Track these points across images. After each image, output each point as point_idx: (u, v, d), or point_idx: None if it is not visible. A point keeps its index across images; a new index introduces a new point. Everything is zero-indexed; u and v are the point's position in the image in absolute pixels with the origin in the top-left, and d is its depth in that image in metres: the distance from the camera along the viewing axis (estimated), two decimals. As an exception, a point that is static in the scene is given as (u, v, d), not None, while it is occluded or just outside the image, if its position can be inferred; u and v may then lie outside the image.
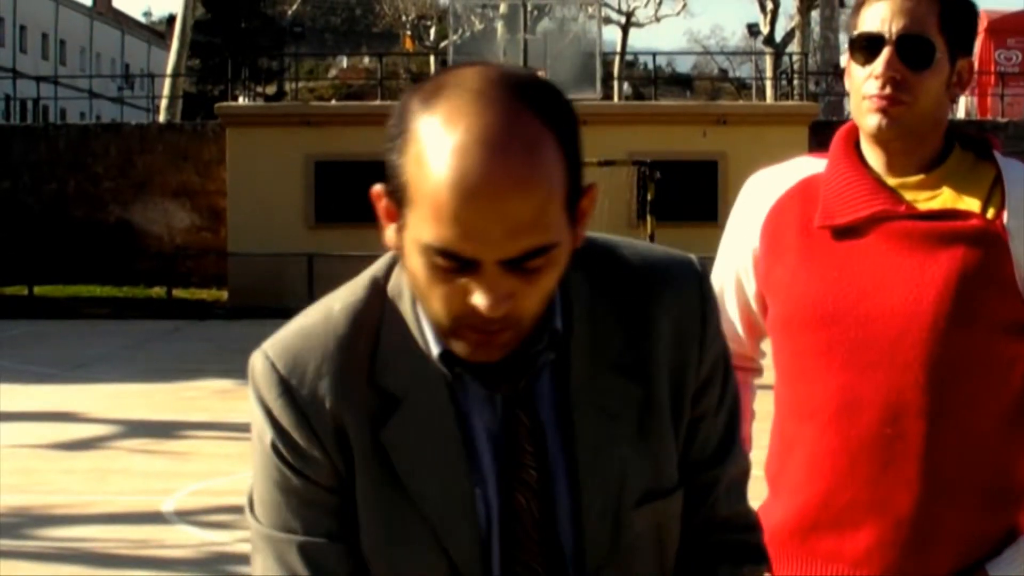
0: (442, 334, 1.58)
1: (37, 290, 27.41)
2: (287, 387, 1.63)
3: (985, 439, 2.36)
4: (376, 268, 1.68)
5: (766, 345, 2.62)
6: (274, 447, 1.64)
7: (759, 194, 2.51)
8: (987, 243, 2.34)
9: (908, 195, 2.40)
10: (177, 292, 27.88)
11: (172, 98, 35.26)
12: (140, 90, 59.54)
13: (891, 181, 2.41)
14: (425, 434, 1.62)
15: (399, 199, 1.53)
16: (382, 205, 1.57)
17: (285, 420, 1.63)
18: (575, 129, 1.55)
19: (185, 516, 8.97)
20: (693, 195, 26.21)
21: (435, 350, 1.61)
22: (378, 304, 1.65)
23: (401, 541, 1.63)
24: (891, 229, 2.37)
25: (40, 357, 18.49)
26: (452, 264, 1.49)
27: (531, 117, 1.49)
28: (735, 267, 2.53)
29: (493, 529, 1.64)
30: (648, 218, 19.13)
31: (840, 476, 2.37)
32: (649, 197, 19.64)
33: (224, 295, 27.66)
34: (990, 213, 2.37)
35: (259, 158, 27.35)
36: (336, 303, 1.67)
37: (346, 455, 1.63)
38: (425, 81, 1.56)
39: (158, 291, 28.26)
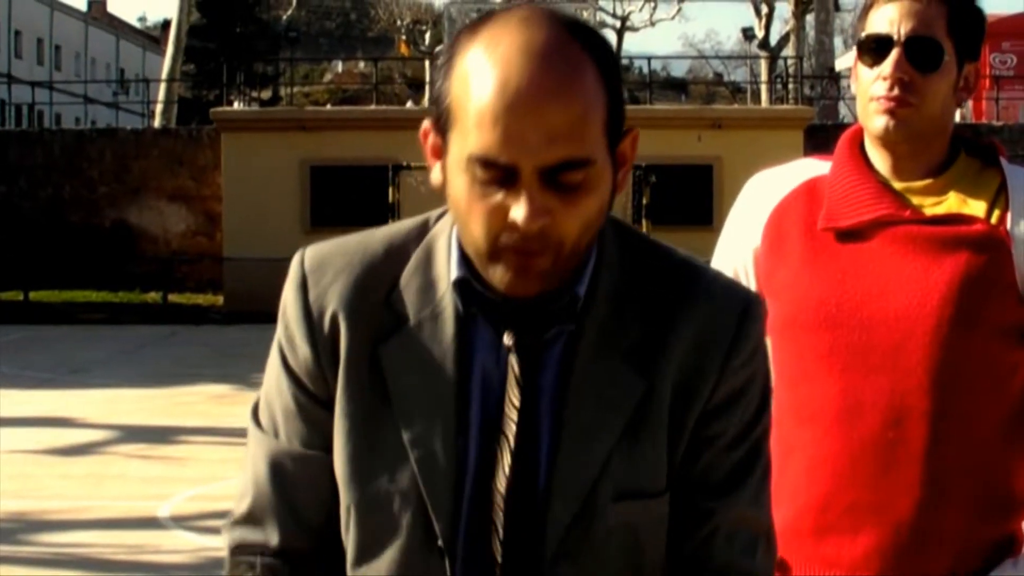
0: (481, 262, 1.59)
1: (33, 295, 27.39)
2: (303, 282, 1.70)
3: (985, 444, 2.36)
4: (432, 211, 1.73)
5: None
6: (279, 340, 1.72)
7: (761, 195, 2.51)
8: (991, 248, 2.34)
9: (914, 199, 2.40)
10: (173, 297, 27.87)
11: (167, 103, 35.27)
12: (135, 95, 59.45)
13: (897, 185, 2.41)
14: (422, 360, 1.64)
15: (444, 124, 1.59)
16: (429, 143, 1.63)
17: (291, 313, 1.70)
18: (617, 68, 1.60)
19: (181, 521, 8.96)
20: (688, 199, 26.23)
21: (455, 274, 1.64)
22: (418, 236, 1.70)
23: (377, 464, 1.65)
24: (896, 233, 2.37)
25: (36, 362, 18.48)
26: (492, 174, 1.53)
27: (575, 43, 1.55)
28: (733, 268, 2.53)
29: (467, 478, 1.63)
30: (643, 222, 19.14)
31: (841, 479, 2.37)
32: (644, 201, 19.66)
33: (220, 300, 27.66)
34: (994, 219, 2.37)
35: (254, 163, 27.35)
36: (383, 228, 1.74)
37: (334, 367, 1.67)
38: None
39: (154, 296, 28.25)
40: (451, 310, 1.65)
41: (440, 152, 1.61)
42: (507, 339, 1.63)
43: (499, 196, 1.54)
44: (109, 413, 13.86)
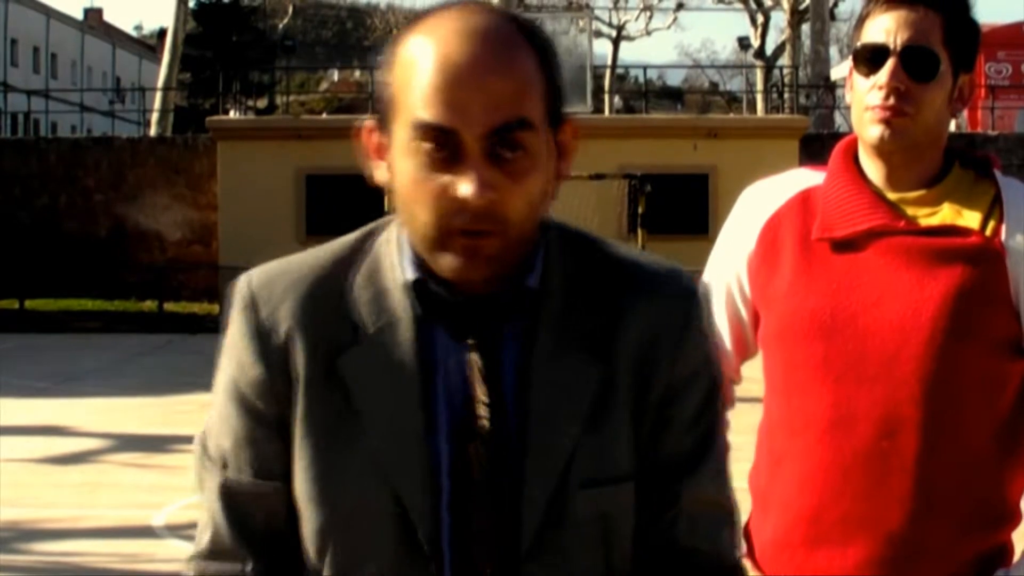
0: (430, 250, 1.61)
1: (28, 304, 27.37)
2: (252, 303, 1.69)
3: (977, 456, 2.36)
4: (376, 221, 1.74)
5: (747, 369, 2.62)
6: (227, 364, 1.70)
7: (756, 205, 2.51)
8: (985, 260, 2.35)
9: (908, 210, 2.40)
10: (168, 306, 27.85)
11: (163, 112, 35.26)
12: (131, 104, 59.47)
13: (891, 195, 2.42)
14: (384, 369, 1.65)
15: (387, 116, 1.63)
16: (372, 141, 1.67)
17: (240, 334, 1.69)
18: (554, 59, 1.66)
19: (176, 530, 8.94)
20: (684, 208, 26.24)
21: (409, 275, 1.65)
22: (363, 246, 1.71)
23: (347, 480, 1.64)
24: (890, 244, 2.37)
25: (31, 371, 18.46)
26: (437, 149, 1.57)
27: (512, 27, 1.63)
28: (726, 279, 2.53)
29: (443, 479, 1.64)
30: (639, 231, 19.12)
31: (833, 490, 2.36)
32: (640, 210, 19.64)
33: (215, 308, 27.62)
34: (989, 231, 2.37)
35: (250, 171, 27.36)
36: (327, 244, 1.75)
37: (290, 385, 1.66)
38: None
39: (149, 305, 28.23)
40: (407, 315, 1.66)
41: (383, 150, 1.65)
42: (467, 338, 1.64)
43: (445, 176, 1.58)
44: (104, 422, 13.84)
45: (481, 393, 1.64)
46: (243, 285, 1.71)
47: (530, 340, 1.66)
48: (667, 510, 1.69)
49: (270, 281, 1.70)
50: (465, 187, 1.56)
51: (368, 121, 1.67)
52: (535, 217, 1.63)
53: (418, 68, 1.59)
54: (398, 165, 1.62)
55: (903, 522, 2.33)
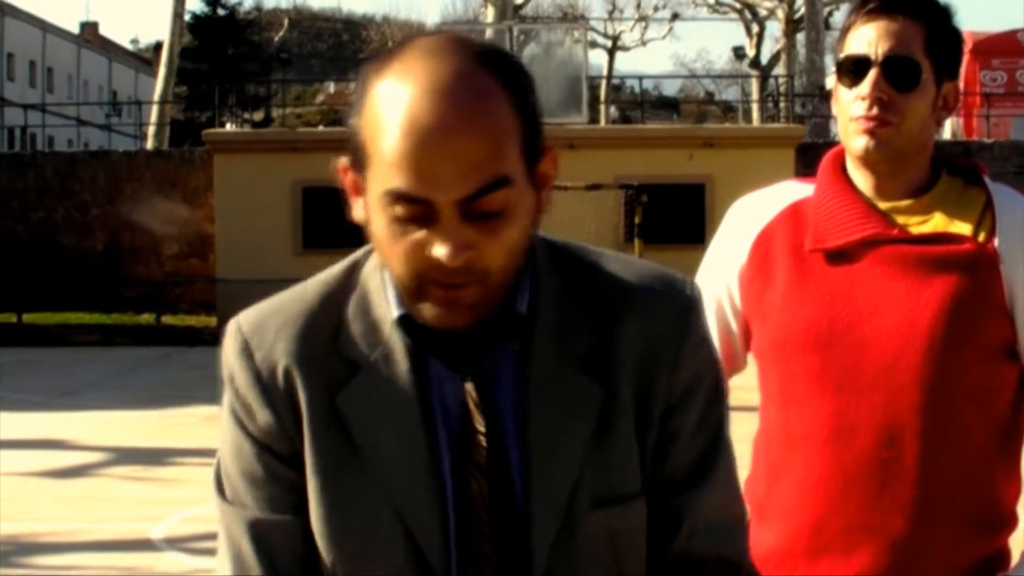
0: (409, 298, 1.59)
1: (26, 317, 27.36)
2: (246, 347, 1.67)
3: (976, 461, 2.37)
4: (358, 252, 1.72)
5: (742, 378, 2.63)
6: (232, 410, 1.68)
7: (746, 219, 2.52)
8: (979, 267, 2.35)
9: (899, 219, 2.41)
10: (166, 319, 27.84)
11: (160, 125, 35.26)
12: (128, 117, 59.50)
13: (881, 205, 2.42)
14: (383, 402, 1.62)
15: (360, 162, 1.58)
16: (348, 179, 1.62)
17: (240, 380, 1.67)
18: (530, 88, 1.59)
19: (175, 543, 8.94)
20: (680, 218, 26.23)
21: (395, 312, 1.63)
22: (350, 280, 1.69)
23: (357, 514, 1.63)
24: (884, 253, 2.38)
25: (29, 384, 18.44)
26: (410, 211, 1.53)
27: (482, 71, 1.54)
28: (717, 293, 2.53)
29: (449, 509, 1.62)
30: (635, 241, 19.12)
31: (834, 500, 2.37)
32: (636, 220, 19.65)
33: (213, 321, 27.61)
34: (981, 237, 2.38)
35: (247, 184, 27.35)
36: (312, 280, 1.71)
37: (298, 423, 1.64)
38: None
39: (147, 318, 28.22)
40: (400, 348, 1.63)
41: (360, 189, 1.60)
42: (460, 367, 1.63)
43: (420, 233, 1.54)
44: (102, 435, 13.83)
45: (479, 423, 1.62)
46: (234, 332, 1.69)
47: (525, 365, 1.63)
48: (682, 521, 1.67)
49: (262, 324, 1.68)
50: (440, 249, 1.53)
51: (342, 160, 1.63)
52: (516, 260, 1.59)
53: (386, 128, 1.53)
54: (373, 215, 1.58)
55: (905, 529, 2.34)
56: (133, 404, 16.37)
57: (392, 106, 1.53)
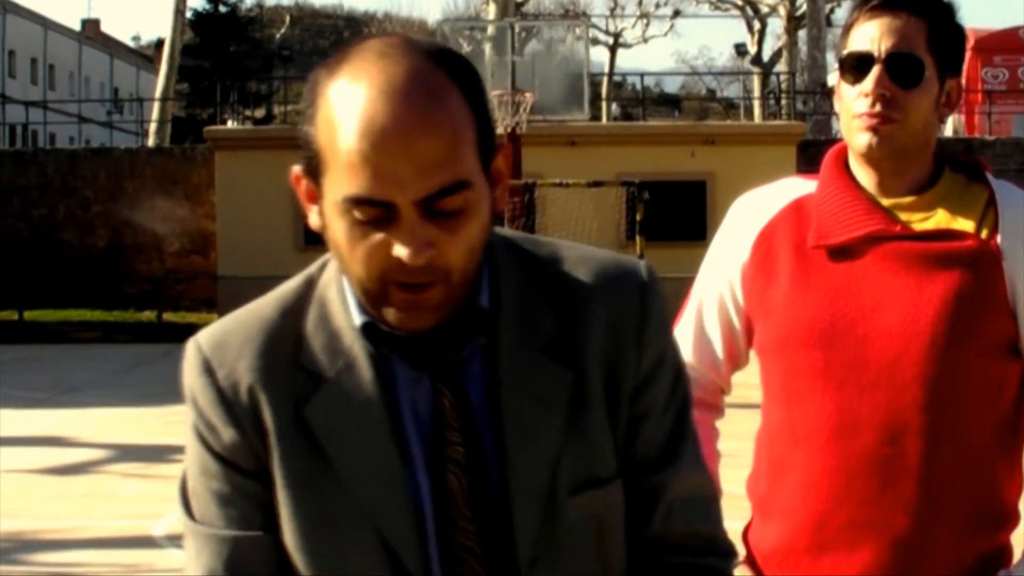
0: (371, 304, 1.59)
1: (27, 315, 27.37)
2: (208, 367, 1.66)
3: (978, 458, 2.37)
4: (311, 267, 1.72)
5: (743, 376, 2.63)
6: (196, 429, 1.67)
7: (749, 215, 2.52)
8: (982, 263, 2.35)
9: (902, 215, 2.41)
10: (167, 316, 27.86)
11: (161, 122, 35.30)
12: (129, 114, 59.57)
13: (884, 202, 2.42)
14: (349, 412, 1.62)
15: (315, 169, 1.57)
16: (303, 188, 1.61)
17: (203, 399, 1.66)
18: (481, 87, 1.60)
19: (176, 540, 8.92)
20: (682, 215, 26.23)
21: (357, 321, 1.63)
22: (307, 293, 1.68)
23: (331, 525, 1.62)
24: (887, 249, 2.38)
25: (30, 382, 18.45)
26: (370, 213, 1.52)
27: (434, 70, 1.54)
28: (719, 288, 2.53)
29: (426, 510, 1.63)
30: (637, 238, 19.12)
31: (837, 497, 2.37)
32: (638, 217, 19.63)
33: (214, 318, 27.58)
34: (984, 233, 2.38)
35: (248, 181, 27.36)
36: (268, 296, 1.71)
37: (264, 439, 1.63)
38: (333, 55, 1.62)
39: (148, 315, 28.23)
40: (363, 355, 1.63)
41: (315, 196, 1.59)
42: (427, 367, 1.63)
43: (380, 235, 1.54)
44: (104, 432, 13.84)
45: (451, 419, 1.63)
46: (193, 351, 1.68)
47: (492, 358, 1.64)
48: (658, 500, 1.69)
49: (222, 342, 1.67)
50: (401, 248, 1.53)
51: (296, 168, 1.61)
52: (476, 259, 1.60)
53: (341, 132, 1.52)
54: (331, 221, 1.57)
55: (908, 526, 2.34)
56: (134, 401, 16.37)
57: (347, 109, 1.52)
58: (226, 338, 1.67)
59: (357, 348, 1.63)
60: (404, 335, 1.61)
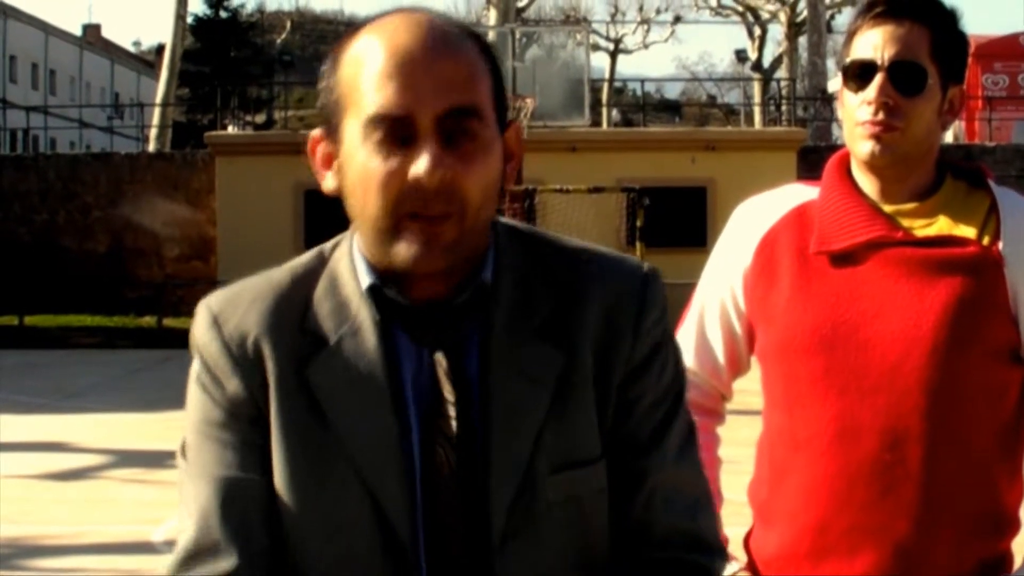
0: (385, 241, 1.62)
1: (28, 320, 27.35)
2: (216, 321, 1.71)
3: (980, 464, 2.37)
4: (325, 244, 1.77)
5: (745, 382, 2.63)
6: (200, 381, 1.71)
7: (751, 221, 2.52)
8: (984, 270, 2.36)
9: (904, 222, 2.41)
10: (168, 321, 27.81)
11: (162, 127, 35.30)
12: (130, 119, 59.53)
13: (886, 208, 2.43)
14: (352, 376, 1.66)
15: (337, 118, 1.65)
16: (320, 151, 1.70)
17: (210, 351, 1.70)
18: (499, 64, 1.69)
19: (176, 546, 8.93)
20: (682, 221, 26.24)
21: (365, 282, 1.67)
22: (319, 266, 1.74)
23: (326, 483, 1.65)
24: (889, 255, 2.38)
25: (31, 387, 18.45)
26: (390, 131, 1.59)
27: (455, 25, 1.66)
28: (721, 294, 2.54)
29: (416, 480, 1.65)
30: (637, 244, 19.13)
31: (838, 502, 2.37)
32: (638, 223, 19.65)
33: (214, 324, 27.62)
34: (985, 240, 2.38)
35: (249, 187, 27.38)
36: (280, 267, 1.77)
37: (265, 391, 1.67)
38: None
39: (148, 320, 28.21)
40: (369, 322, 1.67)
41: (331, 159, 1.67)
42: (429, 340, 1.66)
43: (399, 159, 1.59)
44: (104, 437, 13.83)
45: (448, 393, 1.66)
46: (203, 309, 1.73)
47: (489, 333, 1.67)
48: (640, 489, 1.70)
49: (231, 299, 1.72)
50: (418, 166, 1.58)
51: (314, 132, 1.69)
52: (489, 207, 1.64)
53: (368, 61, 1.61)
54: (349, 163, 1.64)
55: (909, 532, 2.34)
56: (135, 407, 16.37)
57: (373, 43, 1.62)
58: (235, 297, 1.73)
59: (363, 315, 1.67)
60: (408, 304, 1.66)
